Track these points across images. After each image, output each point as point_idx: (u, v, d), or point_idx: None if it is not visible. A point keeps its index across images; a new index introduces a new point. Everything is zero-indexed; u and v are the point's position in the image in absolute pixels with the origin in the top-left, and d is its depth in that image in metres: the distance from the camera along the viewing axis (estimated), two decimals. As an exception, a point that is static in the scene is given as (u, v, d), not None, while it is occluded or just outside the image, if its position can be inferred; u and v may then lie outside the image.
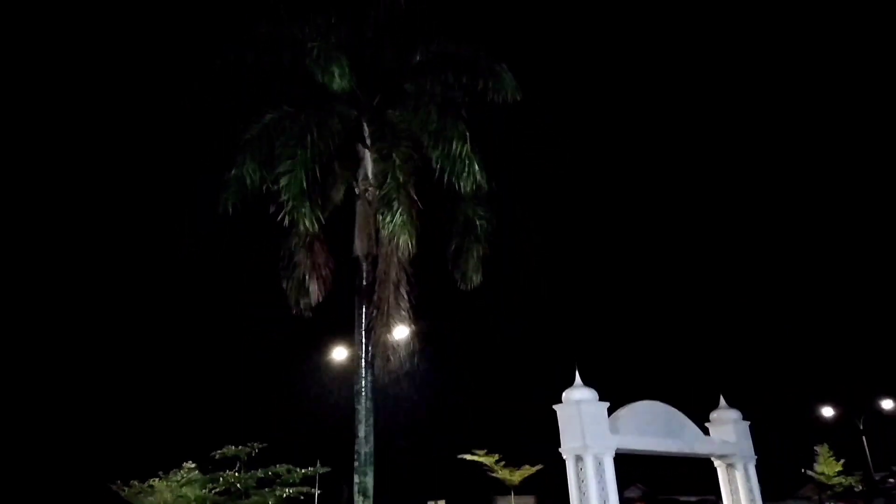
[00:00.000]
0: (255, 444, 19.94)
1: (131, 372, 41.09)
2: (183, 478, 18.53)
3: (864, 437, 37.81)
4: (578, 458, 16.29)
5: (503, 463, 36.24)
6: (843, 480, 39.51)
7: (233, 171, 12.82)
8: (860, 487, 40.24)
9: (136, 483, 18.63)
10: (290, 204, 11.90)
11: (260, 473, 19.68)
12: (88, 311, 42.59)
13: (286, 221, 12.17)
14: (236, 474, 19.44)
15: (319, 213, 12.39)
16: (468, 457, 35.83)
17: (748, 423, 20.11)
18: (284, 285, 13.36)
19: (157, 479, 18.61)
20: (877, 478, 41.41)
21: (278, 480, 19.99)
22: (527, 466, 36.45)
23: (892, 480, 44.06)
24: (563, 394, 17.29)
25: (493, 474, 36.68)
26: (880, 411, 39.07)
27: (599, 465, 16.11)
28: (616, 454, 16.58)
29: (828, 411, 41.19)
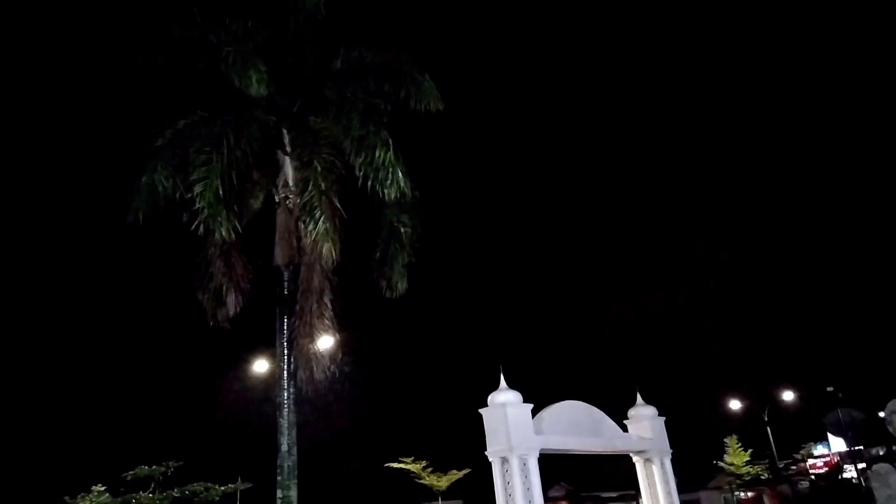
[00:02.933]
0: (171, 463, 19.14)
1: (34, 390, 38.44)
2: (92, 502, 17.57)
3: (768, 428, 40.22)
4: (504, 461, 16.54)
5: (431, 469, 36.31)
6: (751, 470, 41.92)
7: (143, 178, 12.29)
8: (766, 475, 42.79)
9: (39, 510, 17.50)
10: (206, 212, 11.48)
11: (176, 493, 18.90)
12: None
13: (201, 230, 11.74)
14: (150, 496, 18.58)
15: (237, 222, 12.02)
16: (395, 465, 35.72)
17: (664, 418, 21.02)
18: (200, 297, 12.87)
19: (63, 505, 17.57)
20: (780, 465, 44.14)
21: (196, 499, 19.26)
22: (454, 471, 36.66)
23: (794, 468, 47.09)
24: (489, 397, 17.52)
25: (421, 481, 36.69)
26: (781, 402, 41.73)
27: (524, 465, 16.42)
28: (540, 454, 16.94)
29: (735, 404, 43.55)
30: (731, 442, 42.53)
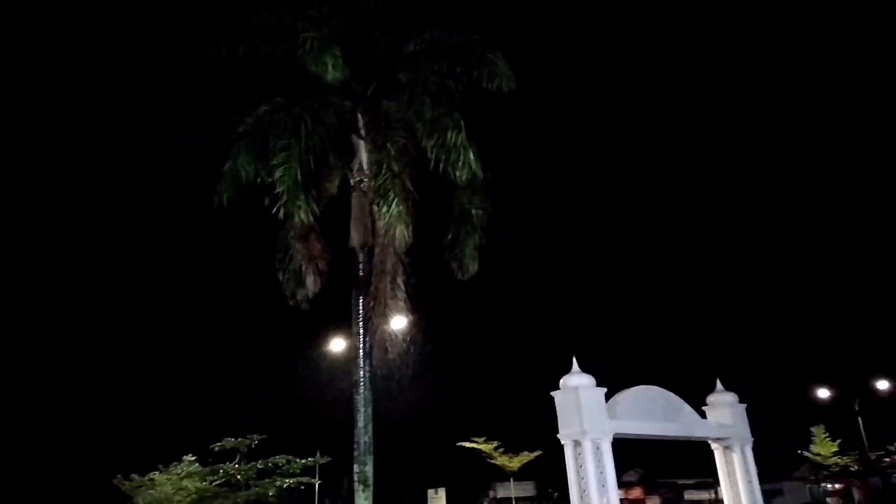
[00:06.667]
0: (255, 436, 20.02)
1: (129, 366, 41.14)
2: (183, 471, 18.61)
3: (859, 418, 38.11)
4: (577, 444, 16.41)
5: (502, 450, 36.47)
6: (839, 461, 39.93)
7: (227, 164, 12.82)
8: (856, 467, 40.66)
9: (136, 477, 18.71)
10: (285, 196, 11.89)
11: (260, 465, 19.78)
12: (85, 307, 42.54)
13: (281, 213, 12.16)
14: (236, 466, 19.54)
15: (314, 205, 12.38)
16: (467, 444, 36.06)
17: (744, 405, 20.26)
18: (280, 277, 13.38)
19: (157, 473, 18.70)
20: (872, 457, 41.80)
21: (278, 471, 20.09)
22: (525, 453, 36.68)
23: (887, 460, 44.48)
24: (561, 380, 17.38)
25: (493, 461, 36.93)
26: (875, 391, 39.39)
27: (598, 449, 16.23)
28: (614, 439, 16.70)
29: (823, 393, 41.46)
30: (818, 431, 40.61)
